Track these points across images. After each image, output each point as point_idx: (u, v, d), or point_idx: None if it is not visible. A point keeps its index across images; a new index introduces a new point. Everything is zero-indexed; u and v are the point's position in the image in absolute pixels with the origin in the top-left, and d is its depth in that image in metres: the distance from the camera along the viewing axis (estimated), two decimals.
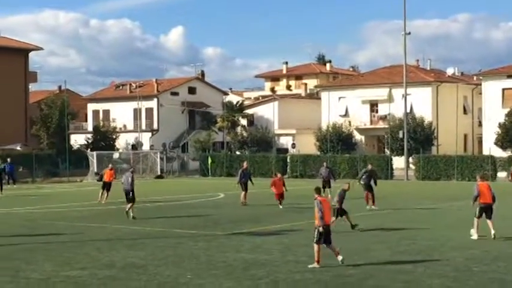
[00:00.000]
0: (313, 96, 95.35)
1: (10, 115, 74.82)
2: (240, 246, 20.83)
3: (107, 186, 35.01)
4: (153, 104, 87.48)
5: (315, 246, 17.01)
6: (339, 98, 79.47)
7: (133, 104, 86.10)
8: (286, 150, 77.48)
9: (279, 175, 34.34)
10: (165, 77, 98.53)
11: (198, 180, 62.38)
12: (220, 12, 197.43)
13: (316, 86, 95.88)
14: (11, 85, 75.63)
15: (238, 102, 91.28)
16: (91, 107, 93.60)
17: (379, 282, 15.43)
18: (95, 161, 61.97)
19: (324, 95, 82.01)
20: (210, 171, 66.72)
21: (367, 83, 79.04)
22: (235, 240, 22.03)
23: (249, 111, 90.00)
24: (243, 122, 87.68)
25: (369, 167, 33.43)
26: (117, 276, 16.28)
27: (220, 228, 25.15)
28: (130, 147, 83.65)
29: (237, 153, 76.97)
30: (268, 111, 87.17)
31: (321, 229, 16.96)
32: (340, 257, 17.15)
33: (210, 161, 67.09)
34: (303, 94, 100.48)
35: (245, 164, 36.51)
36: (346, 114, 78.22)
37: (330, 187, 36.30)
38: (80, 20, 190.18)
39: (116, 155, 72.76)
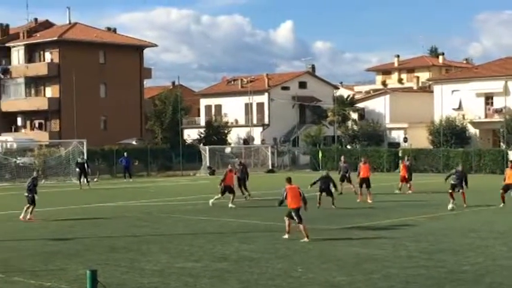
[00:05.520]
0: (426, 89, 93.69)
1: (126, 111, 77.09)
2: (352, 240, 20.76)
3: None
4: (264, 98, 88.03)
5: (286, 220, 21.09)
6: (452, 91, 77.72)
7: (245, 99, 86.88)
8: (398, 144, 76.47)
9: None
10: (275, 71, 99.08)
11: (309, 174, 62.30)
12: (329, 6, 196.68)
13: (428, 79, 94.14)
14: (127, 81, 77.94)
15: (349, 96, 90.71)
16: (203, 102, 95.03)
17: (494, 279, 15.05)
18: (207, 155, 62.91)
19: (436, 88, 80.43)
20: (320, 165, 66.64)
21: (481, 75, 76.97)
22: (347, 234, 21.95)
23: (360, 105, 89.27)
24: (354, 116, 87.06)
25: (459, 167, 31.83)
26: (230, 268, 16.50)
27: (331, 222, 25.11)
28: (242, 141, 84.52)
29: (348, 147, 76.55)
30: (379, 105, 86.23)
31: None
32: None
33: (320, 155, 67.05)
34: (415, 87, 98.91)
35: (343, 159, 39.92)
36: (459, 108, 76.42)
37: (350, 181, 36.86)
38: (191, 17, 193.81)
39: (227, 150, 73.71)
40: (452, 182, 30.10)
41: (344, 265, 16.74)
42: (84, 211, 30.65)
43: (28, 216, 26.73)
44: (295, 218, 20.80)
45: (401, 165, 41.26)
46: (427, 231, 22.53)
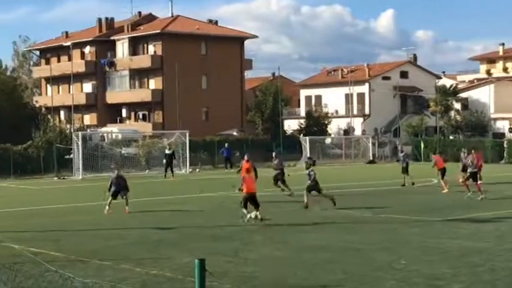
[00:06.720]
0: None
1: (227, 102, 77.90)
2: (456, 232, 20.39)
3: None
4: (364, 89, 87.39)
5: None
6: None
7: (345, 89, 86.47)
8: (502, 135, 74.61)
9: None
10: (376, 61, 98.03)
11: (411, 165, 61.45)
12: None
13: None
14: (229, 73, 78.74)
15: (451, 85, 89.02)
16: (303, 92, 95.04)
17: None
18: (307, 146, 62.85)
19: None
20: (422, 156, 65.64)
21: None
22: (451, 226, 21.58)
23: (463, 94, 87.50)
24: (457, 106, 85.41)
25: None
26: (333, 259, 16.47)
27: (434, 214, 24.71)
28: (342, 132, 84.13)
29: (451, 137, 75.14)
30: (483, 95, 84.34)
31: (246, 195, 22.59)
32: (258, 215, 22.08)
33: (422, 145, 66.01)
34: None
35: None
36: None
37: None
38: (291, 7, 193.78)
39: (328, 140, 73.48)
40: (471, 171, 29.55)
41: (448, 257, 16.47)
42: (186, 201, 31.17)
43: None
44: (251, 203, 22.38)
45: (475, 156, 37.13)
46: None
